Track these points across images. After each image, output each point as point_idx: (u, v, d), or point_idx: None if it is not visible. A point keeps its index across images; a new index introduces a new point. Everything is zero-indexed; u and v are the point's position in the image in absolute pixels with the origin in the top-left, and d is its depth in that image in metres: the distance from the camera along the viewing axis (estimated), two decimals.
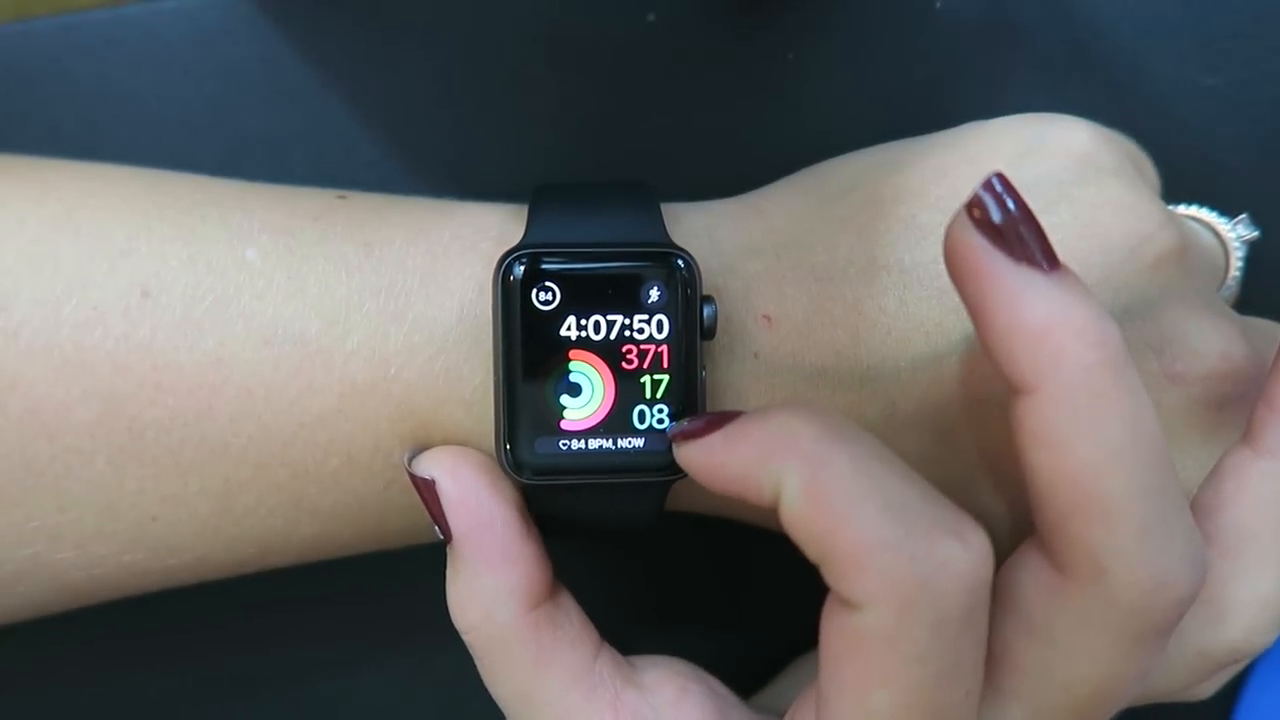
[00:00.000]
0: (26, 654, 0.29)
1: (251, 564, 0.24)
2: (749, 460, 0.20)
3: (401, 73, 0.30)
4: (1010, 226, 0.19)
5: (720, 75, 0.30)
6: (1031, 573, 0.20)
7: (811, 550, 0.19)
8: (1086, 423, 0.19)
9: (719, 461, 0.20)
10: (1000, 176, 0.19)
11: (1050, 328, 0.19)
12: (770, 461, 0.19)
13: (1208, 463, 0.23)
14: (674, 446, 0.22)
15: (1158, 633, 0.20)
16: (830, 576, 0.19)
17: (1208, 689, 0.24)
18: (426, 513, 0.22)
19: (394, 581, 0.28)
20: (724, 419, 0.21)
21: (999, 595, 0.21)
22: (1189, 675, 0.23)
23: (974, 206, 0.19)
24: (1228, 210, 0.28)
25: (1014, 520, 0.23)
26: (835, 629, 0.20)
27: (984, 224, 0.19)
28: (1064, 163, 0.24)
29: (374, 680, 0.30)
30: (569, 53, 0.30)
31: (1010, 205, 0.19)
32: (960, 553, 0.19)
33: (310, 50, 0.30)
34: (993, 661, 0.21)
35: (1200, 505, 0.22)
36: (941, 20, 0.31)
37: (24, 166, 0.24)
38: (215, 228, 0.23)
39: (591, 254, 0.22)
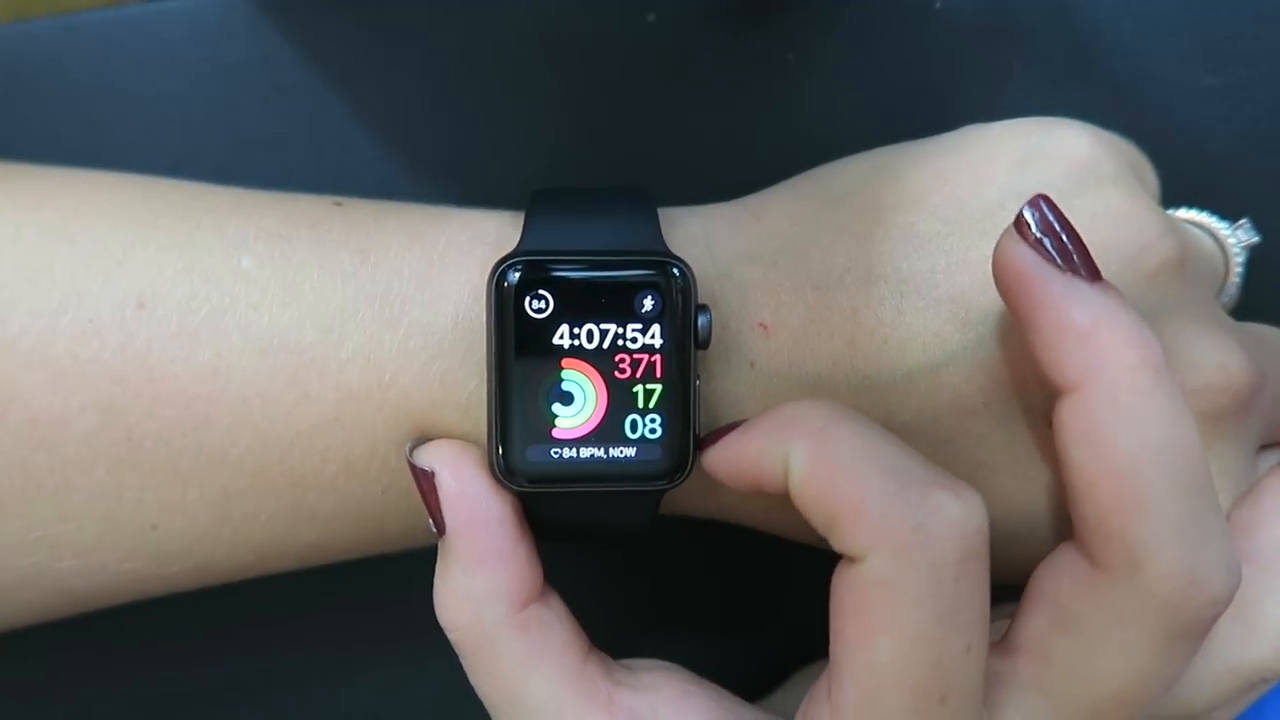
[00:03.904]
0: (25, 659, 0.29)
1: (251, 570, 0.24)
2: (762, 446, 0.21)
3: (401, 73, 0.30)
4: (1056, 242, 0.21)
5: (720, 75, 0.30)
6: (1066, 567, 0.21)
7: (818, 516, 0.20)
8: (1127, 419, 0.20)
9: (735, 454, 0.22)
10: (1045, 198, 0.21)
11: (1096, 328, 0.20)
12: (781, 444, 0.21)
13: None
14: (701, 458, 0.22)
15: (1188, 633, 0.20)
16: (834, 537, 0.20)
17: (1231, 713, 0.24)
18: (423, 505, 0.22)
19: (392, 586, 0.28)
20: (739, 424, 0.22)
21: (1029, 592, 0.22)
22: (1216, 693, 0.23)
23: (1021, 224, 0.21)
24: (1228, 211, 0.28)
25: (1004, 533, 0.23)
26: (843, 588, 0.20)
27: (1031, 240, 0.21)
28: (1064, 170, 0.24)
29: (372, 684, 0.30)
30: (568, 53, 0.30)
31: (1054, 223, 0.21)
32: (953, 501, 0.20)
33: (310, 51, 0.30)
34: (1017, 651, 0.21)
35: (1237, 523, 0.23)
36: (941, 20, 0.30)
37: (19, 175, 0.24)
38: (211, 236, 0.23)
39: (586, 261, 0.22)
